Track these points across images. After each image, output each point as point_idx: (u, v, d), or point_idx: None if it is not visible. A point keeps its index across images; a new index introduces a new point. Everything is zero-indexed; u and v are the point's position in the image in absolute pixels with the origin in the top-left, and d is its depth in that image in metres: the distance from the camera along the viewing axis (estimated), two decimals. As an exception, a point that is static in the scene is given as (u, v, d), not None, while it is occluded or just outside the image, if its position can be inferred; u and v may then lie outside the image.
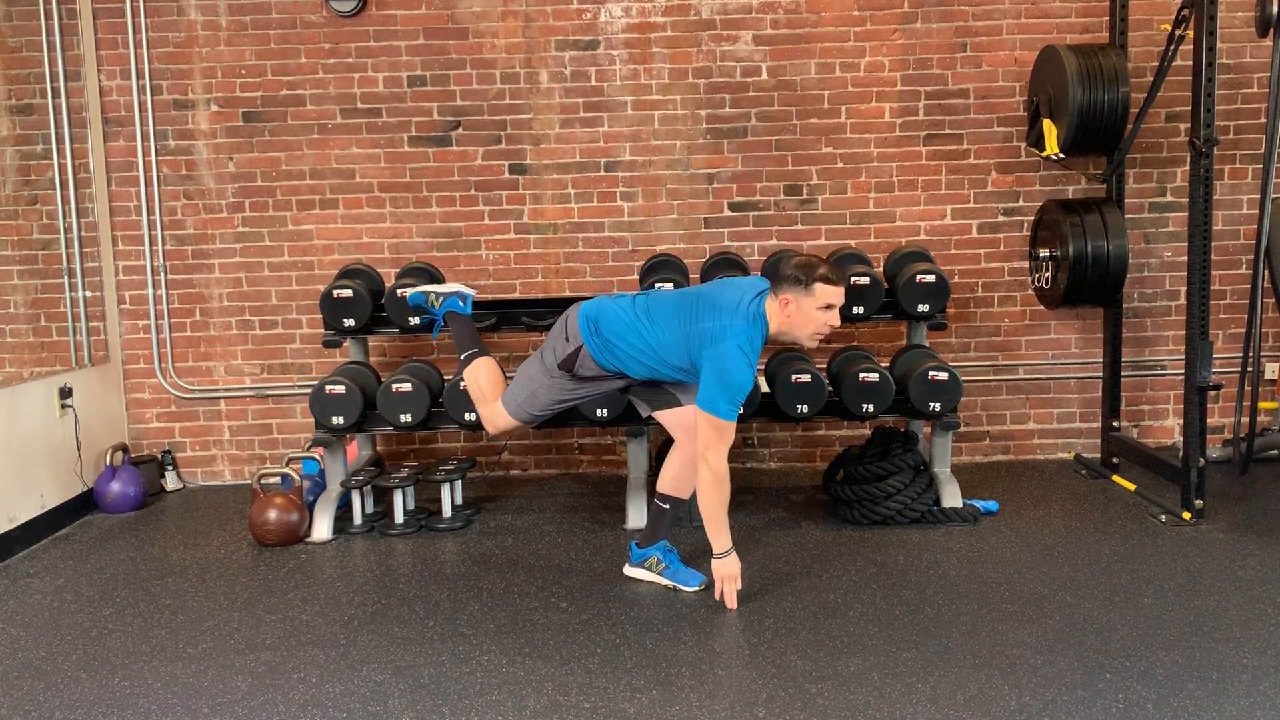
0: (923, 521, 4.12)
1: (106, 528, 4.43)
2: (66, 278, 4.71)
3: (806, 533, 4.07)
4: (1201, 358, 3.93)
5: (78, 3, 4.75)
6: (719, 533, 3.32)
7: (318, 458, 4.44)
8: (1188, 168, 4.22)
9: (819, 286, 3.20)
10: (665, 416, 3.56)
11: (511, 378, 3.71)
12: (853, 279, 4.24)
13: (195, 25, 4.89)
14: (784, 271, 3.25)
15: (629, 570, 3.62)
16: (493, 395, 3.64)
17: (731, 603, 3.31)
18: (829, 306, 3.23)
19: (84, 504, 4.61)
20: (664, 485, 3.56)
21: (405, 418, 4.14)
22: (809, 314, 3.23)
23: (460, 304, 3.83)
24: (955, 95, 4.92)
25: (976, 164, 4.95)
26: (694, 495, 4.13)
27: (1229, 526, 3.96)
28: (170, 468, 5.01)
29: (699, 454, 3.26)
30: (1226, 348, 4.93)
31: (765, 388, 4.19)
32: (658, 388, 3.55)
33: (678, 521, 4.15)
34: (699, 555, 3.78)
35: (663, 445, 4.66)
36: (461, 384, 3.90)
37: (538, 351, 3.59)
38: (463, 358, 3.75)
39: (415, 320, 4.20)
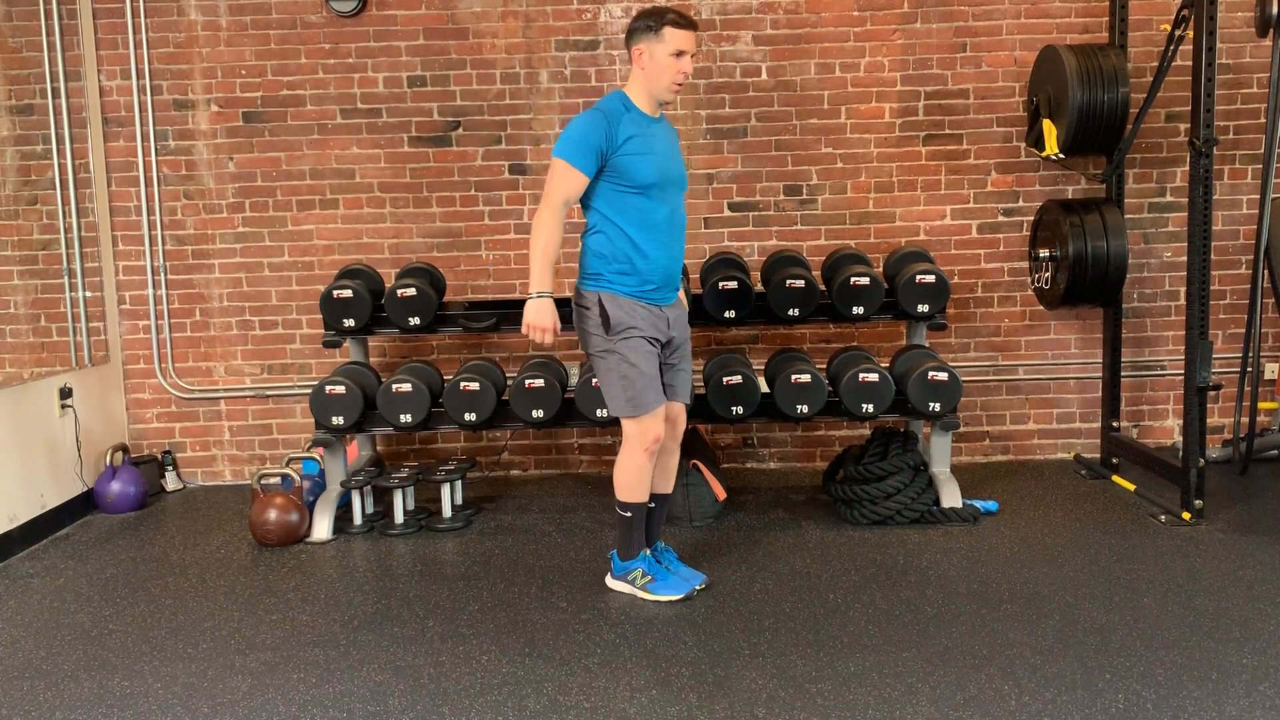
0: (922, 521, 4.12)
1: (106, 528, 4.43)
2: (66, 278, 4.71)
3: (806, 533, 4.07)
4: (1201, 358, 3.93)
5: (78, 3, 4.75)
6: (536, 274, 3.23)
7: (318, 458, 4.44)
8: (1188, 168, 4.22)
9: (668, 31, 3.21)
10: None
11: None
12: (853, 279, 4.24)
13: (195, 25, 4.89)
14: (633, 25, 3.28)
15: (610, 583, 3.52)
16: (621, 458, 3.39)
17: (537, 347, 3.16)
18: (680, 53, 3.23)
19: (84, 504, 4.61)
20: (617, 491, 3.46)
21: (405, 418, 4.14)
22: (663, 62, 3.23)
23: (616, 564, 3.52)
24: (955, 95, 4.92)
25: (976, 164, 4.95)
26: (694, 494, 4.12)
27: (1229, 526, 3.96)
28: (170, 468, 5.00)
29: (542, 202, 3.24)
30: (1226, 348, 4.93)
31: (765, 388, 4.19)
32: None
33: (676, 521, 4.17)
34: (699, 555, 3.79)
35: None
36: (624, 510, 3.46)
37: (590, 364, 3.48)
38: (626, 513, 3.43)
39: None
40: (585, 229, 3.37)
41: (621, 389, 3.31)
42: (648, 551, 3.48)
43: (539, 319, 3.23)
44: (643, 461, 3.36)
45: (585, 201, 3.33)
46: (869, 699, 2.69)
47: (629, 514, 3.43)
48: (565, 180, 3.22)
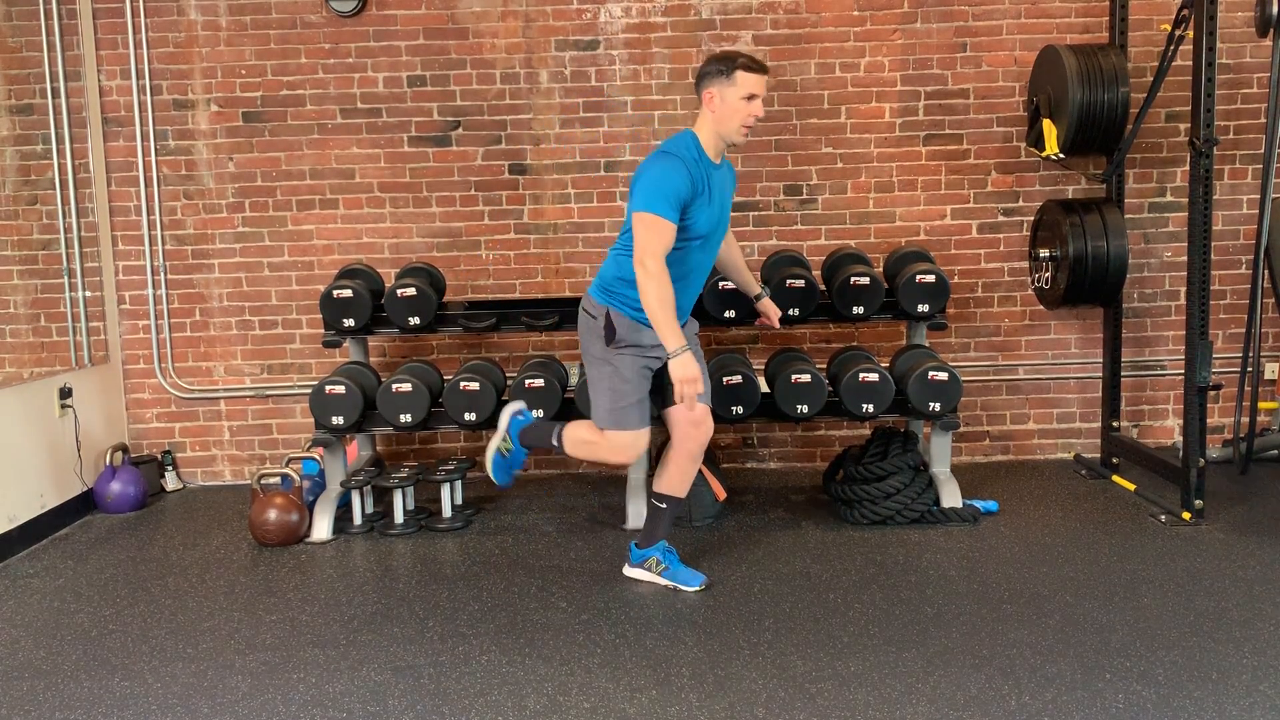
0: (923, 521, 4.12)
1: (106, 528, 4.43)
2: (66, 278, 4.71)
3: (806, 533, 4.07)
4: (1201, 358, 3.93)
5: (78, 3, 4.75)
6: (666, 331, 3.24)
7: (318, 458, 4.44)
8: (1188, 168, 4.22)
9: (740, 74, 3.26)
10: (671, 412, 3.52)
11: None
12: (853, 279, 4.24)
13: (195, 25, 4.89)
14: (704, 69, 3.34)
15: (629, 570, 3.62)
16: (596, 434, 3.53)
17: (692, 406, 3.30)
18: (752, 96, 3.28)
19: (84, 504, 4.61)
20: (660, 484, 3.54)
21: (405, 418, 4.14)
22: (734, 105, 3.28)
23: (522, 418, 3.79)
24: (955, 95, 4.92)
25: (976, 164, 4.95)
26: (694, 494, 4.13)
27: (1229, 526, 3.96)
28: (170, 468, 5.00)
29: (636, 260, 3.23)
30: (1226, 348, 4.93)
31: (765, 388, 4.19)
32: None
33: (677, 522, 4.16)
34: (699, 555, 3.79)
35: (662, 445, 4.66)
36: (558, 447, 3.66)
37: (583, 365, 3.58)
38: (555, 442, 3.63)
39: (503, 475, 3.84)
40: (618, 244, 3.44)
41: (609, 400, 3.43)
42: (665, 542, 3.57)
43: (689, 371, 3.26)
44: (611, 462, 3.58)
45: (630, 223, 3.34)
46: (869, 699, 2.69)
47: (663, 505, 3.52)
48: (660, 233, 3.23)
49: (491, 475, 3.77)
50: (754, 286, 3.91)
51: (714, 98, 3.30)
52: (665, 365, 3.50)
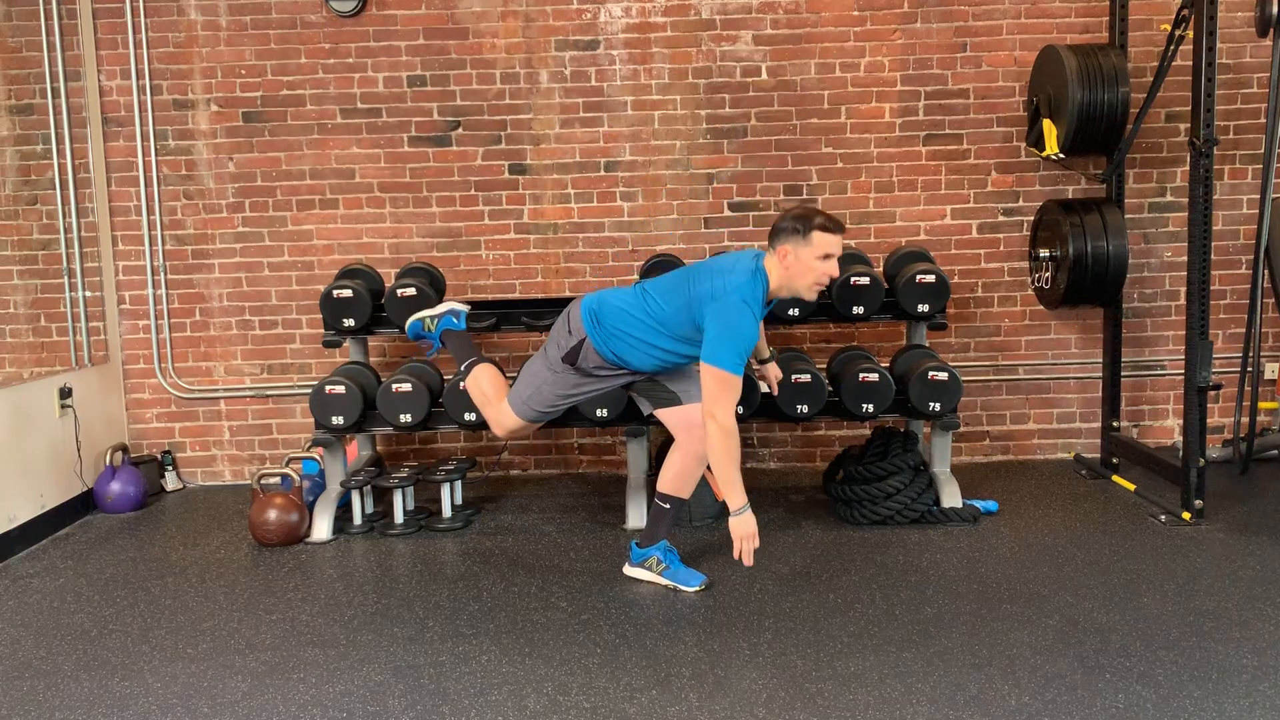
0: (923, 521, 4.12)
1: (106, 528, 4.43)
2: (66, 278, 4.71)
3: (806, 533, 4.07)
4: (1201, 358, 3.93)
5: (78, 3, 4.75)
6: (733, 489, 3.26)
7: (318, 458, 4.44)
8: (1188, 168, 4.22)
9: (816, 235, 3.25)
10: (666, 415, 3.56)
11: (514, 378, 3.73)
12: (853, 279, 4.24)
13: (195, 25, 4.89)
14: (781, 224, 3.32)
15: (629, 570, 3.62)
16: (497, 397, 3.69)
17: (749, 561, 3.28)
18: (827, 256, 3.28)
19: (84, 504, 4.61)
20: (664, 485, 3.55)
21: (405, 418, 4.14)
22: (808, 264, 3.27)
23: (455, 321, 3.91)
24: (955, 95, 4.92)
25: (976, 164, 4.95)
26: (694, 494, 4.14)
27: (1229, 526, 3.96)
28: (170, 468, 5.00)
29: (705, 411, 3.23)
30: (1226, 348, 4.93)
31: (765, 388, 4.19)
32: (659, 385, 3.56)
33: (678, 521, 4.16)
34: (699, 555, 3.79)
35: (663, 445, 4.66)
36: (461, 385, 3.91)
37: (541, 348, 3.63)
38: (462, 368, 3.82)
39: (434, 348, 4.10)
40: (642, 301, 3.42)
41: (528, 392, 3.57)
42: (666, 541, 3.58)
43: (749, 529, 3.27)
44: (489, 422, 3.74)
45: (670, 310, 3.35)
46: (869, 699, 2.69)
47: (666, 506, 3.55)
48: (732, 389, 3.23)
49: (406, 327, 3.98)
50: (764, 352, 3.92)
51: (788, 255, 3.28)
52: (645, 375, 3.55)
